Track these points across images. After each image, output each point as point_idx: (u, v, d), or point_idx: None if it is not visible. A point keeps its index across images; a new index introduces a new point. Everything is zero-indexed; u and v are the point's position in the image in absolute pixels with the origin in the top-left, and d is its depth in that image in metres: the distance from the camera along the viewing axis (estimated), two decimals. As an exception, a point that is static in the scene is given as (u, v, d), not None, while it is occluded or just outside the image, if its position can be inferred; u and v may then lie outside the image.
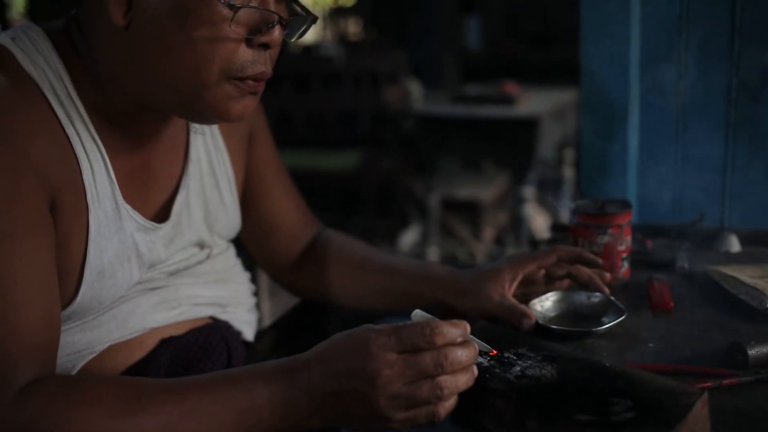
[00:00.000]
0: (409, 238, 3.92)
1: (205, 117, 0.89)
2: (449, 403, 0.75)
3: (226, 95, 0.85)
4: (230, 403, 0.76)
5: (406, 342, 0.74)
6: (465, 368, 0.75)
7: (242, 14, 0.82)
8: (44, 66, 0.86)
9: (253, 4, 0.83)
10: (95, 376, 0.85)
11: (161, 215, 1.00)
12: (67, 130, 0.86)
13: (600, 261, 1.09)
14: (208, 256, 1.08)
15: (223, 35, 0.82)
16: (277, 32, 0.85)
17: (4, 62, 0.84)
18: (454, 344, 0.75)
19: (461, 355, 0.75)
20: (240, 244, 1.21)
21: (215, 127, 1.08)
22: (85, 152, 0.88)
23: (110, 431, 0.74)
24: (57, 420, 0.74)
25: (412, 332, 0.74)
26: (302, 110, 3.95)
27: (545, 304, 1.04)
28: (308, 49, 4.86)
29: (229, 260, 1.14)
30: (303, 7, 0.89)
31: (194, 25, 0.81)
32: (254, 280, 1.23)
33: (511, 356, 0.83)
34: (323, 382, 0.76)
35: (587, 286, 1.06)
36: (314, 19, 0.89)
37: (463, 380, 0.75)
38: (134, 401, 0.75)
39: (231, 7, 0.81)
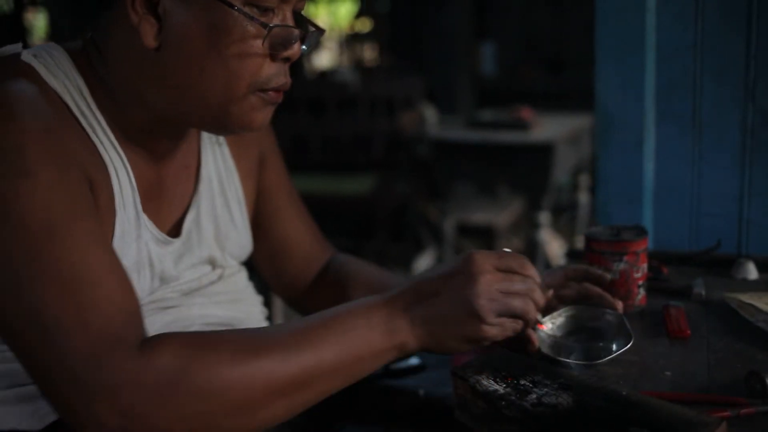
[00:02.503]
0: (423, 262, 3.92)
1: (230, 128, 0.93)
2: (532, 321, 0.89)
3: (251, 107, 0.90)
4: (350, 329, 0.82)
5: (503, 263, 0.86)
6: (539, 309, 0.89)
7: (271, 32, 0.87)
8: (66, 81, 0.89)
9: (276, 21, 0.88)
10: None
11: (173, 232, 1.02)
12: (93, 138, 0.89)
13: (608, 276, 1.08)
14: (220, 277, 1.09)
15: (253, 52, 0.87)
16: (297, 47, 0.91)
17: (29, 76, 0.86)
18: (537, 283, 0.88)
19: (540, 296, 0.88)
20: (253, 267, 1.21)
21: (226, 149, 1.10)
22: (111, 160, 0.91)
23: (239, 363, 0.77)
24: (191, 363, 0.75)
25: (509, 257, 0.87)
26: (317, 135, 3.98)
27: (557, 320, 1.02)
28: (324, 74, 4.91)
29: (242, 282, 1.14)
30: (311, 22, 0.94)
31: (225, 43, 0.85)
32: (267, 303, 1.23)
33: (527, 384, 0.82)
34: (425, 284, 0.85)
35: (600, 303, 1.06)
36: (322, 32, 0.95)
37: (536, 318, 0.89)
38: (255, 341, 0.80)
39: (264, 26, 0.86)
